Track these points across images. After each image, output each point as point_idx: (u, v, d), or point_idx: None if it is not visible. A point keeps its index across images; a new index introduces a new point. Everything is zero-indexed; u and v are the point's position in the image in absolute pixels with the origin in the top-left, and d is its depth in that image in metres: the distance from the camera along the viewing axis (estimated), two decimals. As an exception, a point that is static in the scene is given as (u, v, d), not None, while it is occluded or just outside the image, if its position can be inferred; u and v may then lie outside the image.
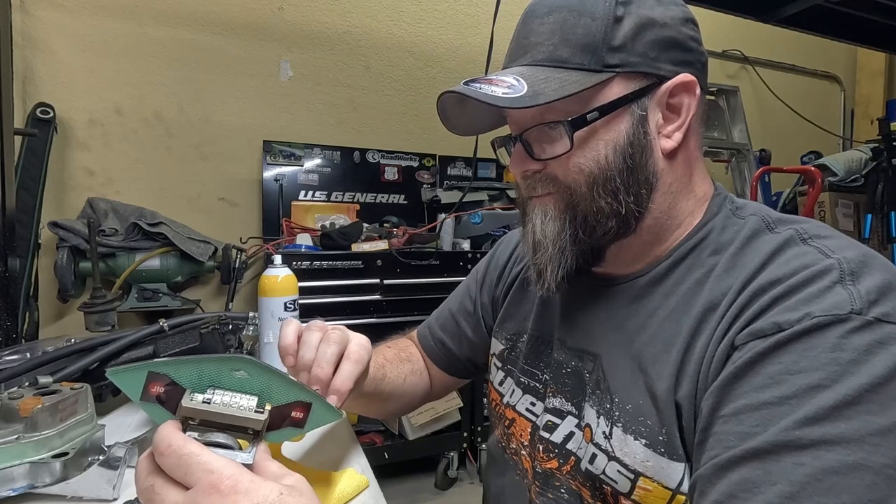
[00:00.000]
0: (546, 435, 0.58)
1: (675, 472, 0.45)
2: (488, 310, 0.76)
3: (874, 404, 0.35)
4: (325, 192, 2.37)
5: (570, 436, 0.56)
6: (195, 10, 2.18)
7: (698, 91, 0.51)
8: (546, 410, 0.59)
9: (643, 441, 0.47)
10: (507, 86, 0.48)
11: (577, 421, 0.56)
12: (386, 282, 1.97)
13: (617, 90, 0.50)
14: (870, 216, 2.39)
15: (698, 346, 0.46)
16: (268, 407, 0.38)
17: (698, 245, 0.52)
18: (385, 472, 2.08)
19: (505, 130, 0.59)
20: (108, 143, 2.08)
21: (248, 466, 0.35)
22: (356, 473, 0.59)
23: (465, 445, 2.12)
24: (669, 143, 0.52)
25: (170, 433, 0.34)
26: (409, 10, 2.59)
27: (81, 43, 2.01)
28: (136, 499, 0.54)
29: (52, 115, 1.92)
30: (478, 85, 0.49)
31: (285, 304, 0.84)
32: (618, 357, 0.52)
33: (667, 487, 0.46)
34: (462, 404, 2.05)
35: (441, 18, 2.66)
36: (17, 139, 1.78)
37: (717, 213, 0.53)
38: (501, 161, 0.62)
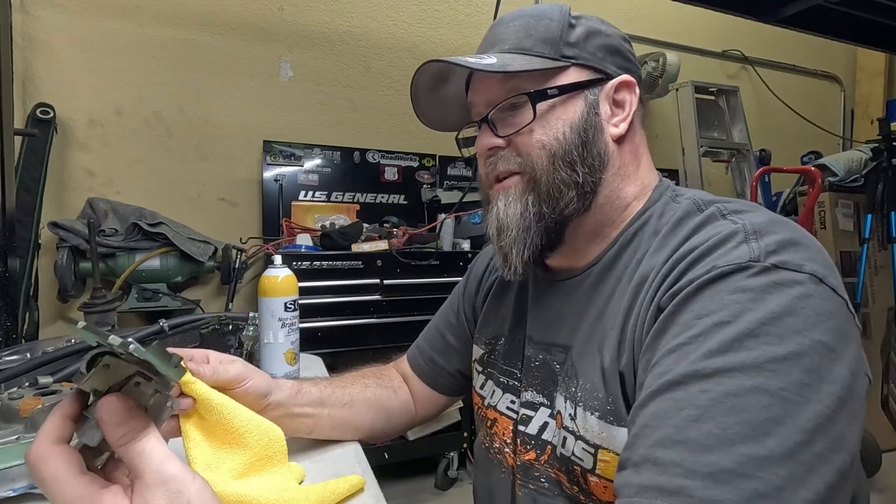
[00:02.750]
0: (522, 428, 0.61)
1: (623, 437, 0.47)
2: (471, 320, 0.79)
3: (772, 336, 0.39)
4: (325, 193, 2.37)
5: (544, 426, 0.59)
6: (195, 10, 2.18)
7: (638, 90, 0.60)
8: (522, 405, 0.63)
9: (596, 414, 0.51)
10: (479, 58, 0.56)
11: (549, 411, 0.59)
12: (386, 282, 1.97)
13: (572, 77, 0.58)
14: (870, 216, 2.38)
15: (632, 317, 0.51)
16: (101, 362, 0.36)
17: (640, 229, 0.57)
18: (385, 472, 2.08)
19: (471, 132, 0.65)
20: (108, 144, 2.08)
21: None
22: (353, 476, 0.59)
23: (465, 445, 2.12)
24: (617, 131, 0.59)
25: (37, 458, 0.34)
26: (408, 10, 2.59)
27: (81, 43, 2.01)
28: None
29: (52, 115, 1.92)
30: (454, 57, 0.56)
31: (285, 304, 0.84)
32: (584, 344, 0.56)
33: (619, 454, 0.47)
34: (462, 404, 2.05)
35: (441, 18, 2.66)
36: (18, 139, 1.78)
37: (657, 201, 0.59)
38: (464, 156, 0.71)
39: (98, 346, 0.37)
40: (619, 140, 0.59)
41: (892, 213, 2.34)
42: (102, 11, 2.04)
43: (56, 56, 1.98)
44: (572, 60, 0.57)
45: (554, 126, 0.57)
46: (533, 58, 0.57)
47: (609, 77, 0.59)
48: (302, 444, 0.69)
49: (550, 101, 0.57)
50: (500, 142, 0.59)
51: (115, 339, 0.34)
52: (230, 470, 0.50)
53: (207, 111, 2.22)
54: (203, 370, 0.53)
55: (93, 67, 2.03)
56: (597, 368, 0.53)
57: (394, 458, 2.01)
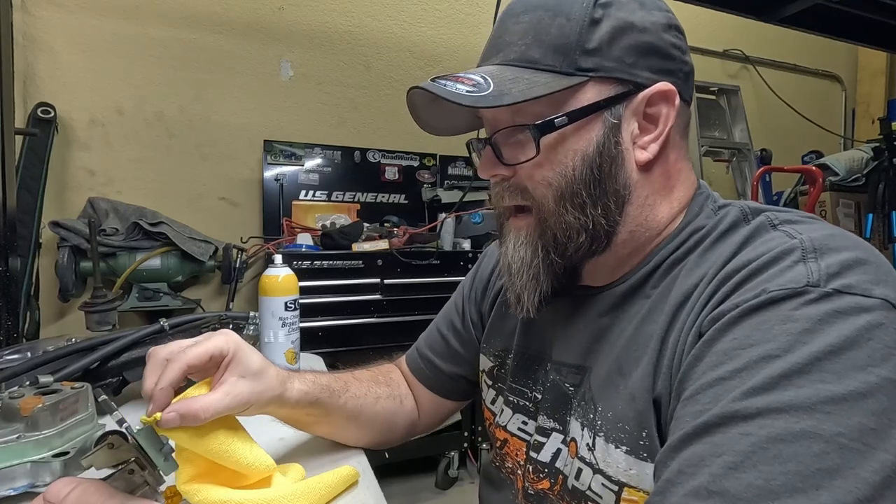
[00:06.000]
0: (535, 455, 0.57)
1: None
2: (477, 324, 0.74)
3: (828, 373, 0.34)
4: (326, 192, 2.37)
5: (557, 453, 0.54)
6: (196, 10, 2.18)
7: (678, 101, 0.49)
8: (536, 430, 0.58)
9: (624, 448, 0.46)
10: (473, 84, 0.47)
11: (562, 437, 0.54)
12: (386, 281, 1.97)
13: (590, 95, 0.48)
14: (871, 216, 2.38)
15: (671, 340, 0.45)
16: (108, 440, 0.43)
17: (679, 248, 0.50)
18: (385, 471, 2.08)
19: (483, 133, 0.57)
20: (109, 143, 2.08)
21: None
22: (346, 468, 0.59)
23: (465, 445, 2.12)
24: (645, 155, 0.49)
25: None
26: (409, 9, 2.58)
27: (82, 43, 2.02)
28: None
29: (52, 114, 1.92)
30: (444, 81, 0.48)
31: (286, 303, 0.84)
32: (603, 366, 0.51)
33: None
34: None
35: (442, 18, 2.65)
36: (18, 139, 1.78)
37: (698, 214, 0.51)
38: (475, 163, 0.59)
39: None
40: (648, 165, 0.50)
41: (893, 212, 2.34)
42: (103, 11, 2.04)
43: (57, 55, 1.98)
44: (591, 74, 0.47)
45: (563, 161, 0.48)
46: (540, 74, 0.47)
47: (639, 87, 0.48)
48: (301, 444, 0.69)
49: (559, 131, 0.47)
50: (503, 171, 0.51)
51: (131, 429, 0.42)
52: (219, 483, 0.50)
53: (208, 111, 2.22)
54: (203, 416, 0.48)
55: (93, 67, 2.03)
56: (622, 396, 0.47)
57: (394, 457, 2.00)
